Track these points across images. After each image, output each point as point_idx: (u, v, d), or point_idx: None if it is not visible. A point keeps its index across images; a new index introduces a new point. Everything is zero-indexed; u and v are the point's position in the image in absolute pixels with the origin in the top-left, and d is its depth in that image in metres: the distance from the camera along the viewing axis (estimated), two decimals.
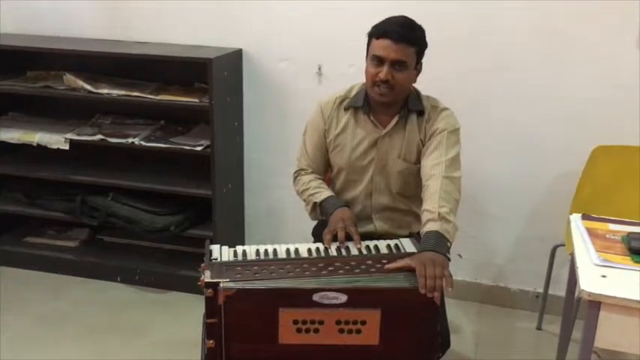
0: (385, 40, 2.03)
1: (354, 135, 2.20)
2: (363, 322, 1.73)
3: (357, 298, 1.72)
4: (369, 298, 1.74)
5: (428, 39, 2.12)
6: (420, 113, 2.16)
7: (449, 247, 1.93)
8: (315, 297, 1.71)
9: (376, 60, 2.05)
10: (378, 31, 2.06)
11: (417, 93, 2.19)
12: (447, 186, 2.01)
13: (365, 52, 2.12)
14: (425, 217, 1.97)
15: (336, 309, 1.72)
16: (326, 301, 1.71)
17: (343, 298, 1.71)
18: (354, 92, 2.22)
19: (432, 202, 1.98)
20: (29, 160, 3.31)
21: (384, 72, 2.04)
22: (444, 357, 2.07)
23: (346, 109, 2.21)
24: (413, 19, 2.10)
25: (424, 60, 2.14)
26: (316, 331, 1.73)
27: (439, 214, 1.93)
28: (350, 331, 1.74)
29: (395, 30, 2.03)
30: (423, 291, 1.73)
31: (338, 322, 1.73)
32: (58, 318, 2.93)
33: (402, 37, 2.03)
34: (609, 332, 1.72)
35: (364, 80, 2.16)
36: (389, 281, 1.76)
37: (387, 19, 2.09)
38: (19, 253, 3.35)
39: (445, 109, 2.18)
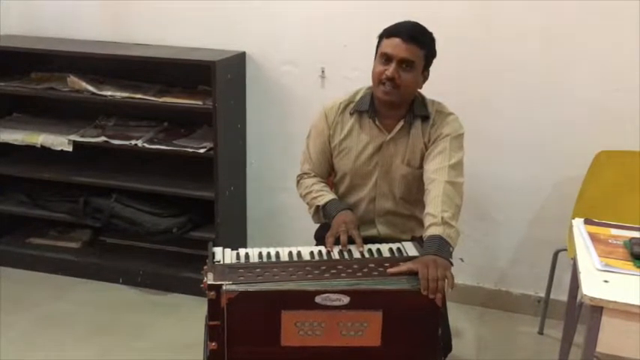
0: (395, 39, 2.05)
1: (359, 140, 2.20)
2: (365, 324, 1.74)
3: (359, 300, 1.73)
4: (371, 300, 1.74)
5: None
6: (425, 118, 2.16)
7: (451, 252, 1.92)
8: (318, 299, 1.71)
9: (384, 57, 2.07)
10: (389, 31, 2.09)
11: (423, 98, 2.20)
12: (449, 191, 2.01)
13: (371, 55, 2.13)
14: (427, 221, 1.97)
15: (339, 311, 1.72)
16: (328, 303, 1.71)
17: (345, 299, 1.72)
18: (359, 96, 2.22)
19: (435, 207, 1.98)
20: (32, 161, 3.31)
21: (390, 69, 2.05)
22: None
23: (351, 113, 2.21)
24: (424, 26, 2.12)
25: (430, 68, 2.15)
26: (318, 333, 1.74)
27: (442, 218, 1.93)
28: (352, 333, 1.74)
29: (406, 30, 2.06)
30: (425, 292, 1.73)
31: (340, 324, 1.73)
32: (59, 319, 2.93)
33: (413, 38, 2.05)
34: (611, 337, 1.72)
35: (369, 84, 2.17)
36: (391, 283, 1.76)
37: (398, 22, 2.12)
38: (21, 254, 3.35)
39: (450, 114, 2.18)
